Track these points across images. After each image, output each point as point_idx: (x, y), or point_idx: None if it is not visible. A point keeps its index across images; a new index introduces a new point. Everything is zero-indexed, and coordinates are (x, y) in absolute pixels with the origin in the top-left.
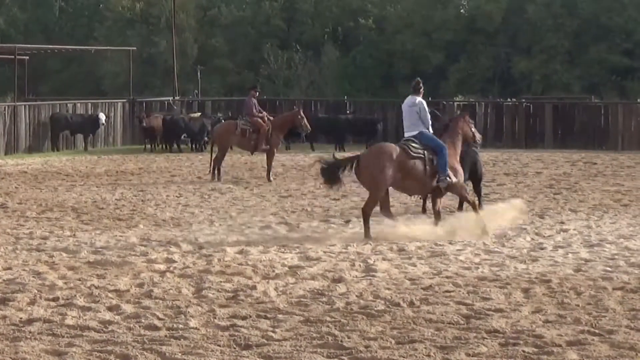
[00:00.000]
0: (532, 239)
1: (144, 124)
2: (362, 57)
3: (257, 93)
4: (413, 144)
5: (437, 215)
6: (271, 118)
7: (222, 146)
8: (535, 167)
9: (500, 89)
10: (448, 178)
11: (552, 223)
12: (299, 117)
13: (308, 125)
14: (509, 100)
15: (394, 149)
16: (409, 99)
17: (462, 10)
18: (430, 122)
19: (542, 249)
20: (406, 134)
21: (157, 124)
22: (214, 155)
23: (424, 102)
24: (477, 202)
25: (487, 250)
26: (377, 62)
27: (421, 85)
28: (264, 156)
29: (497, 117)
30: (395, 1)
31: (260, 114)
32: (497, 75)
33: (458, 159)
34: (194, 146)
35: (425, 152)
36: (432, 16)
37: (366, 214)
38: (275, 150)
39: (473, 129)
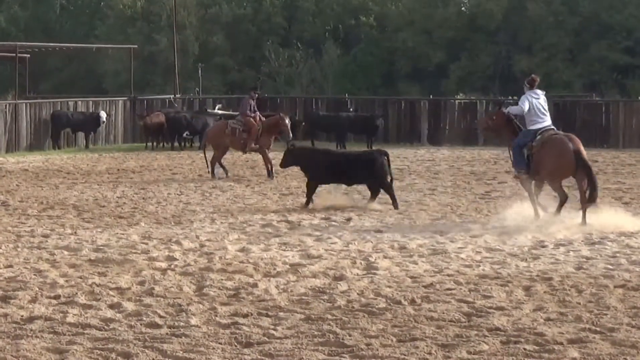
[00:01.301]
0: (533, 236)
1: (144, 123)
2: (363, 54)
3: (257, 95)
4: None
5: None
6: (264, 119)
7: (216, 146)
8: None
9: (501, 87)
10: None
11: (553, 220)
12: (282, 123)
13: (291, 133)
14: (510, 98)
15: None
16: (535, 93)
17: (462, 8)
18: None
19: (543, 246)
20: (546, 124)
21: (158, 122)
22: (209, 156)
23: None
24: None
25: (488, 248)
26: (378, 60)
27: (537, 81)
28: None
29: None
30: None
31: (253, 114)
32: (498, 73)
33: None
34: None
35: None
36: (433, 14)
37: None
38: (266, 149)
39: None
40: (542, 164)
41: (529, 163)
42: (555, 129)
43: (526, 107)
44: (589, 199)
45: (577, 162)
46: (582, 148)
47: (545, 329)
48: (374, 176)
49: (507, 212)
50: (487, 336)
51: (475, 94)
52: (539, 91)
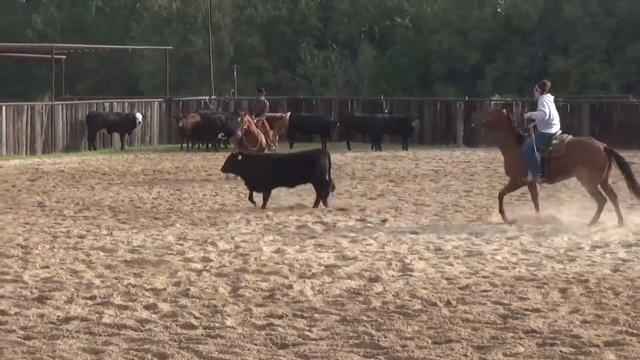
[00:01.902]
0: (569, 238)
1: (181, 124)
2: (399, 56)
3: (262, 96)
4: None
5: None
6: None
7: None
8: None
9: None
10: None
11: (589, 222)
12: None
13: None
14: None
15: None
16: (550, 97)
17: (498, 9)
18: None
19: (579, 248)
20: (558, 129)
21: (194, 123)
22: None
23: None
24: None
25: (524, 250)
26: (413, 61)
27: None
28: None
29: None
30: (431, 0)
31: (257, 117)
32: (534, 74)
33: None
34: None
35: None
36: (468, 15)
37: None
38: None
39: None
40: (575, 167)
41: (543, 167)
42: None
43: (547, 110)
44: (634, 192)
45: (610, 158)
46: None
47: (581, 331)
48: (315, 176)
49: (543, 214)
50: (523, 338)
51: (511, 95)
52: (551, 96)
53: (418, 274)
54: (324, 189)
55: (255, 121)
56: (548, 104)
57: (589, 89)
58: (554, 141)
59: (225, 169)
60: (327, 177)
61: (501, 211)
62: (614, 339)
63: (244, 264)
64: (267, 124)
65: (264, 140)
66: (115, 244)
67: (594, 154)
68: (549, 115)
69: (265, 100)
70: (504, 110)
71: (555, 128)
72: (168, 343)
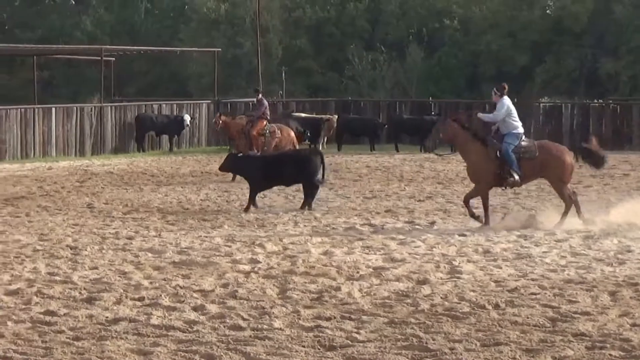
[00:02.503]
0: (620, 241)
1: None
2: (447, 57)
3: (259, 95)
4: None
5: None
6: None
7: None
8: (622, 169)
9: (587, 90)
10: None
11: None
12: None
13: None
14: (595, 101)
15: None
16: (509, 100)
17: (547, 11)
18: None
19: (629, 251)
20: (519, 131)
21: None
22: None
23: None
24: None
25: (573, 253)
26: (462, 62)
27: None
28: (349, 157)
29: (584, 119)
30: (480, 2)
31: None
32: (583, 76)
33: None
34: None
35: None
36: (517, 16)
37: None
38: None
39: None
40: (546, 169)
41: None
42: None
43: (503, 113)
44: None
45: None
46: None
47: (631, 334)
48: (304, 175)
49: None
50: (572, 341)
51: (560, 98)
52: (508, 98)
53: (466, 277)
54: (311, 190)
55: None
56: (508, 105)
57: (639, 91)
58: (524, 142)
59: (223, 168)
60: (317, 179)
61: (472, 215)
62: None
63: (292, 266)
64: (261, 124)
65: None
66: (163, 245)
67: (566, 155)
68: (511, 114)
69: (264, 100)
70: (454, 119)
71: (521, 128)
72: (216, 344)
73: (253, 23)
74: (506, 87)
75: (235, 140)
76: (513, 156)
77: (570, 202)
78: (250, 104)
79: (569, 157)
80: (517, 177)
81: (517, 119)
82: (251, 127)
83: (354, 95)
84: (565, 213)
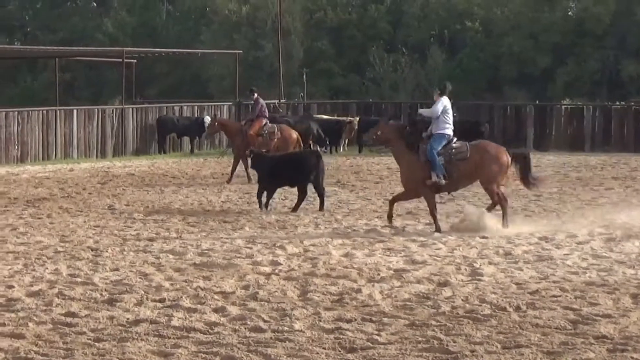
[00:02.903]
0: None
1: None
2: (469, 59)
3: (253, 95)
4: None
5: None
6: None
7: None
8: None
9: (609, 92)
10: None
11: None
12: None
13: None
14: (617, 103)
15: None
16: (447, 101)
17: (569, 13)
18: None
19: None
20: (447, 132)
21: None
22: None
23: None
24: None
25: (594, 255)
26: (483, 64)
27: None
28: (370, 159)
29: (606, 121)
30: (501, 3)
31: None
32: (605, 78)
33: None
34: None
35: None
36: (539, 18)
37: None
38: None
39: None
40: (481, 170)
41: (445, 171)
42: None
43: (440, 109)
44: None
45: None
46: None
47: None
48: (305, 177)
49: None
50: (594, 344)
51: (582, 100)
52: (448, 100)
53: (487, 279)
54: (304, 193)
55: (243, 123)
56: (445, 104)
57: None
58: (455, 144)
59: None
60: (313, 181)
61: (389, 216)
62: None
63: (312, 268)
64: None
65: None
66: (184, 247)
67: (500, 155)
68: (443, 114)
69: (260, 99)
70: (390, 121)
71: (450, 130)
72: (237, 346)
73: (274, 25)
74: (447, 86)
75: (233, 141)
76: (437, 158)
77: (500, 201)
78: (272, 105)
79: (506, 157)
80: (436, 179)
81: (449, 120)
82: (249, 127)
83: (375, 97)
84: (504, 214)
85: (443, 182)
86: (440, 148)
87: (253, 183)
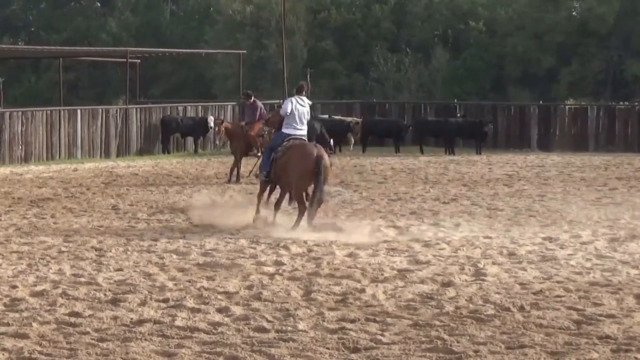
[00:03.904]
0: None
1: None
2: (473, 59)
3: (251, 99)
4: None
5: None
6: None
7: None
8: None
9: (613, 92)
10: None
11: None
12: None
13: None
14: (621, 103)
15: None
16: (301, 100)
17: (573, 13)
18: None
19: None
20: (297, 133)
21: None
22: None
23: None
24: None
25: (598, 255)
26: (487, 64)
27: (306, 88)
28: (373, 159)
29: (610, 121)
30: (506, 3)
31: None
32: (609, 78)
33: None
34: None
35: None
36: (543, 18)
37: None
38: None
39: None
40: (287, 170)
41: (271, 167)
42: (307, 140)
43: (289, 109)
44: (311, 202)
45: (317, 168)
46: (325, 155)
47: None
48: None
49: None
50: (597, 344)
51: (586, 100)
52: (305, 99)
53: (491, 279)
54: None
55: (243, 124)
56: (295, 103)
57: None
58: (285, 142)
59: None
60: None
61: (257, 211)
62: None
63: (316, 268)
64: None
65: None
66: (188, 247)
67: (305, 159)
68: (290, 114)
69: (257, 102)
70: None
71: (292, 130)
72: (240, 346)
73: (278, 25)
74: (303, 86)
75: (234, 142)
76: (266, 155)
77: (303, 206)
78: (276, 105)
79: (310, 162)
80: (258, 175)
81: (294, 120)
82: (249, 128)
83: (379, 97)
84: (298, 217)
85: (263, 177)
86: (275, 145)
87: (247, 183)
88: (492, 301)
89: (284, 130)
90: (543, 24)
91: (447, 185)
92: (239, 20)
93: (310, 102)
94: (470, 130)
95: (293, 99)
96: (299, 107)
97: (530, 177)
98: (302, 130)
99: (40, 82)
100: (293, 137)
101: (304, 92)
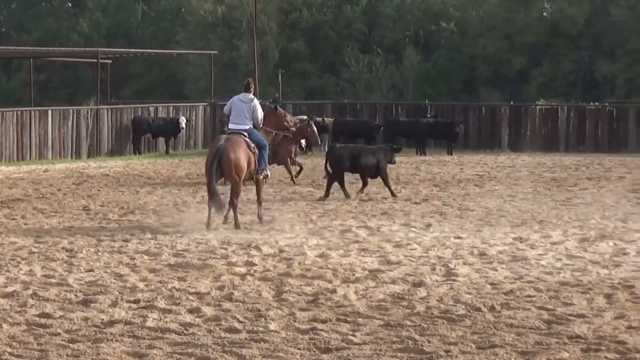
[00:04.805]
0: (615, 244)
1: (226, 128)
2: (444, 60)
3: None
4: (246, 139)
5: (259, 203)
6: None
7: None
8: (618, 171)
9: (583, 92)
10: (265, 171)
11: (635, 228)
12: None
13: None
14: (592, 104)
15: (244, 142)
16: (241, 96)
17: (544, 13)
18: (261, 120)
19: (625, 254)
20: (233, 127)
21: None
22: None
23: (257, 101)
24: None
25: (569, 255)
26: (458, 65)
27: (252, 85)
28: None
29: (580, 122)
30: (477, 4)
31: None
32: (580, 79)
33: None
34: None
35: (254, 146)
36: (514, 19)
37: (235, 206)
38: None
39: (289, 119)
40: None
41: None
42: (246, 135)
43: (226, 107)
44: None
45: (213, 158)
46: (231, 151)
47: (626, 337)
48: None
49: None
50: (568, 344)
51: (556, 100)
52: (249, 96)
53: (462, 279)
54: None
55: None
56: (235, 101)
57: (635, 93)
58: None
59: None
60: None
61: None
62: None
63: (287, 268)
64: None
65: None
66: (159, 247)
67: (209, 152)
68: (231, 112)
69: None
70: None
71: (233, 125)
72: (211, 347)
73: (250, 25)
74: (250, 82)
75: None
76: None
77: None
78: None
79: (210, 154)
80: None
81: (233, 116)
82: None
83: (350, 97)
84: (235, 215)
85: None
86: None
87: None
88: (463, 301)
89: (227, 127)
90: (514, 24)
91: (418, 185)
92: (210, 21)
93: (252, 98)
94: (442, 131)
95: (235, 97)
96: (238, 104)
97: (501, 177)
98: (242, 125)
99: (10, 82)
100: (230, 131)
101: (250, 89)
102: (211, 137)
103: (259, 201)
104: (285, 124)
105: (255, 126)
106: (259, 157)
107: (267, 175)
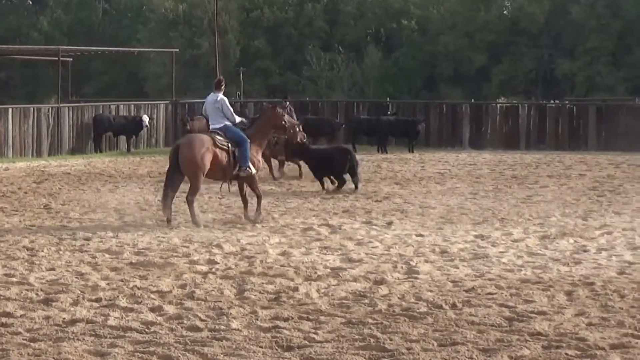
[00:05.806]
0: (575, 241)
1: (188, 127)
2: (405, 58)
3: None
4: (218, 136)
5: (244, 200)
6: None
7: None
8: (578, 169)
9: (544, 90)
10: (248, 169)
11: (595, 225)
12: None
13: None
14: (552, 102)
15: (208, 139)
16: (211, 96)
17: (504, 12)
18: (234, 116)
19: (585, 251)
20: (212, 127)
21: (200, 126)
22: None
23: (226, 99)
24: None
25: (530, 253)
26: (419, 63)
27: (223, 83)
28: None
29: (540, 119)
30: (437, 2)
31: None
32: (540, 76)
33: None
34: None
35: (229, 144)
36: (474, 17)
37: (191, 202)
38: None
39: (286, 119)
40: None
41: None
42: (221, 133)
43: (203, 109)
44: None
45: (174, 158)
46: (189, 149)
47: (587, 334)
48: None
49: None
50: (529, 341)
51: (517, 98)
52: (219, 95)
53: (424, 277)
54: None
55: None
56: (208, 101)
57: (595, 91)
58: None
59: None
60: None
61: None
62: (619, 341)
63: (249, 267)
64: None
65: None
66: (120, 246)
67: (191, 149)
68: (207, 112)
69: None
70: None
71: (211, 125)
72: (173, 345)
73: (211, 23)
74: (220, 81)
75: None
76: None
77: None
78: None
79: (172, 153)
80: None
81: (209, 116)
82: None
83: (312, 95)
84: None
85: None
86: None
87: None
88: (424, 299)
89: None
90: (474, 23)
91: (379, 183)
92: (171, 19)
93: (218, 96)
94: (403, 129)
95: (208, 97)
96: (210, 105)
97: (462, 175)
98: (217, 124)
99: None
100: (210, 131)
101: (220, 87)
102: (173, 135)
103: (258, 201)
104: (283, 123)
105: (232, 123)
106: (238, 154)
107: (251, 172)
